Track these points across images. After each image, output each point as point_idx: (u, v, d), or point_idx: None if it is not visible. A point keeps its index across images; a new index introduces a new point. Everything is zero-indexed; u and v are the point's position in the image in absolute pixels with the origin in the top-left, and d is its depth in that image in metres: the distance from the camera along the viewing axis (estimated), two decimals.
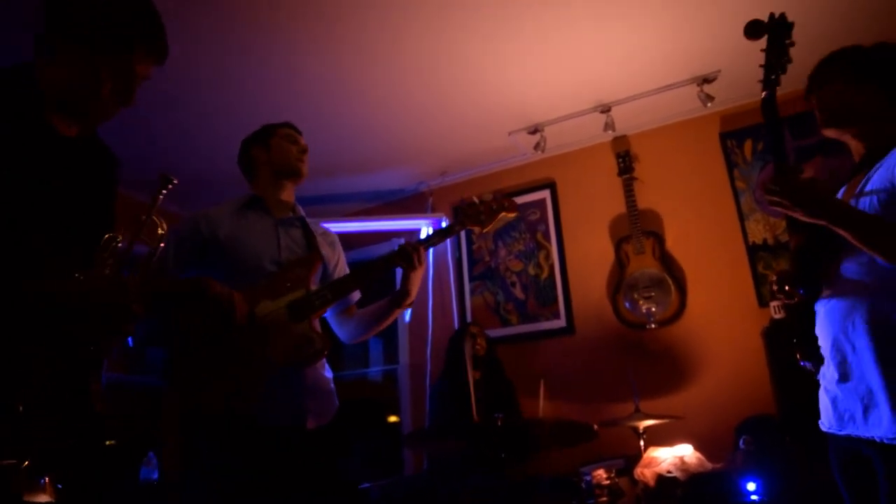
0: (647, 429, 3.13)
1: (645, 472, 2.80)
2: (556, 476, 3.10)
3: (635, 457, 3.21)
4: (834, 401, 1.76)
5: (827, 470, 2.55)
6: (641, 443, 3.10)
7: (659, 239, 4.13)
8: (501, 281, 4.66)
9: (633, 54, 3.69)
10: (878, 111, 1.81)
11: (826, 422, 1.83)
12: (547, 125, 4.28)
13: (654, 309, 3.87)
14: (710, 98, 3.87)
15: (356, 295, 2.43)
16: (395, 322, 5.08)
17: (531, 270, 4.57)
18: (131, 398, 4.21)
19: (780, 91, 4.04)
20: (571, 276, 4.43)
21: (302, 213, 2.40)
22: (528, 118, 4.27)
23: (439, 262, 4.91)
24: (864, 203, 1.69)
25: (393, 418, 5.12)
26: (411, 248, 2.23)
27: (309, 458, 2.08)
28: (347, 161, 4.63)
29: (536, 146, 4.30)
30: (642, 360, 3.83)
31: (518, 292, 4.58)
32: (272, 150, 2.35)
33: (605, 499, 2.71)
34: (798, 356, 1.89)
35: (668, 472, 2.76)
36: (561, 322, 4.37)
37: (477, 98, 3.99)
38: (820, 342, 1.81)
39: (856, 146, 1.91)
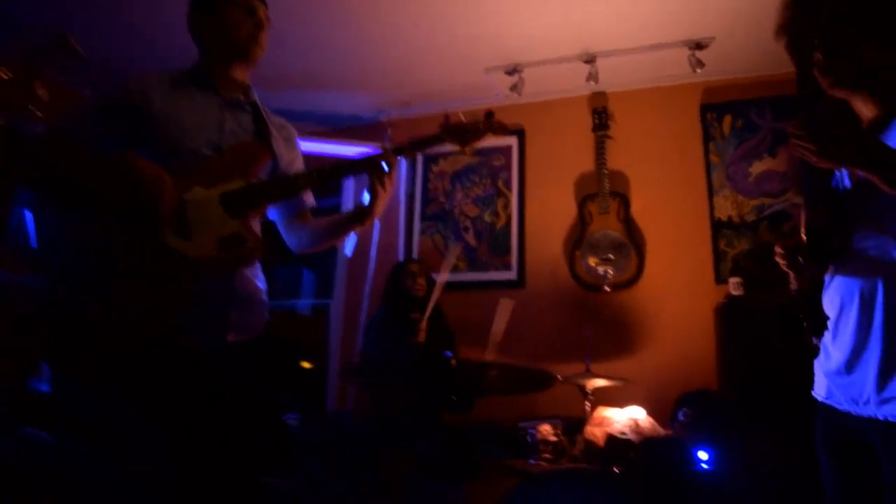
0: (595, 390, 3.01)
1: (595, 432, 2.68)
2: (499, 427, 2.94)
3: (577, 418, 3.11)
4: (836, 374, 1.65)
5: (771, 447, 2.51)
6: (587, 404, 2.99)
7: (625, 201, 4.00)
8: (454, 224, 4.44)
9: (628, 6, 3.48)
10: (885, 66, 1.62)
11: (822, 392, 1.72)
12: (527, 67, 4.03)
13: (611, 272, 3.74)
14: (700, 64, 3.72)
15: (310, 199, 2.11)
16: (334, 253, 4.80)
17: (487, 217, 4.37)
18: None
19: (767, 72, 4.00)
20: (528, 229, 4.26)
21: (256, 98, 2.02)
22: (508, 56, 4.00)
23: (391, 195, 4.62)
24: None
25: (306, 364, 4.83)
26: (389, 157, 1.94)
27: (226, 375, 1.76)
28: (298, 75, 4.23)
29: (513, 87, 4.04)
30: (594, 322, 3.71)
31: (470, 238, 4.37)
32: (219, 20, 1.89)
33: (549, 455, 2.57)
34: (807, 331, 1.77)
35: (622, 433, 2.66)
36: (512, 274, 4.21)
37: (455, 26, 3.68)
38: (833, 312, 1.69)
39: (866, 109, 1.71)
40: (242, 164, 1.82)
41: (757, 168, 3.91)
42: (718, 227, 3.87)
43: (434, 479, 2.31)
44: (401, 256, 4.48)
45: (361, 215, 1.97)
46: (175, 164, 1.72)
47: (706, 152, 4.01)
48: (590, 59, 3.92)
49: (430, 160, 4.60)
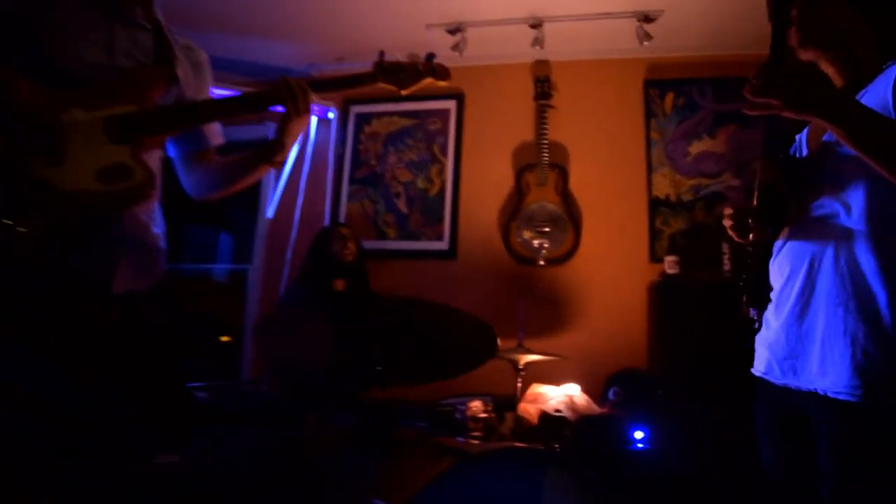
0: (527, 365, 2.87)
1: (529, 409, 2.54)
2: (426, 404, 2.75)
3: (507, 395, 2.97)
4: (776, 345, 1.55)
5: (704, 426, 2.44)
6: (519, 380, 2.85)
7: (564, 174, 3.88)
8: (385, 190, 4.20)
9: None
10: (855, 30, 1.51)
11: (761, 366, 1.62)
12: (471, 26, 3.81)
13: (546, 245, 3.62)
14: (647, 36, 3.62)
15: (216, 135, 1.81)
16: (253, 215, 4.47)
17: (420, 184, 4.15)
18: None
19: (712, 52, 3.94)
20: (463, 197, 4.08)
21: (160, 15, 1.71)
22: (451, 14, 3.77)
23: (318, 156, 4.33)
24: None
25: (226, 338, 4.50)
26: (297, 85, 1.67)
27: (106, 332, 1.46)
28: (219, 15, 3.85)
29: (455, 47, 3.82)
30: (528, 296, 3.58)
31: (402, 205, 4.15)
32: None
33: (479, 433, 2.41)
34: (744, 300, 1.67)
35: (557, 410, 2.53)
36: (443, 244, 4.02)
37: None
38: (778, 281, 1.59)
39: (835, 74, 1.61)
40: (136, 87, 1.51)
41: (696, 148, 3.86)
42: (655, 205, 3.81)
43: (357, 455, 2.12)
44: (327, 221, 4.21)
45: (270, 151, 1.71)
46: (52, 83, 1.40)
47: (647, 129, 3.94)
48: (536, 24, 3.75)
49: (362, 119, 4.33)
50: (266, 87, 1.78)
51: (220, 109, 1.67)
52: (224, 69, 4.34)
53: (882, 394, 1.29)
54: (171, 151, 1.77)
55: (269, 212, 4.36)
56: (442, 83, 2.01)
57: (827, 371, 1.38)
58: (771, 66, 1.35)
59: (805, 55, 1.55)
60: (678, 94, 3.95)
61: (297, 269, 3.75)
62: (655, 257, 3.70)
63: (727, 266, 3.39)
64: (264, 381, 3.79)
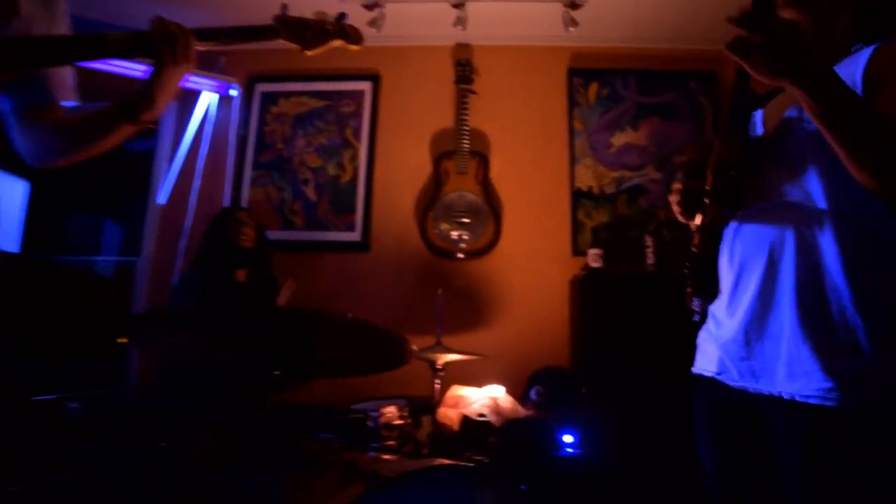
0: (446, 365, 2.63)
1: (449, 413, 2.30)
2: (333, 410, 2.44)
3: (423, 398, 2.72)
4: (732, 344, 1.38)
5: (629, 426, 2.27)
6: (437, 381, 2.60)
7: (485, 162, 3.68)
8: (292, 176, 3.85)
9: None
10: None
11: (712, 366, 1.45)
12: (390, 2, 3.55)
13: (466, 237, 3.41)
14: (573, 22, 3.48)
15: (65, 90, 1.47)
16: (143, 201, 4.01)
17: (331, 170, 3.84)
18: None
19: (636, 45, 3.86)
20: (377, 186, 3.79)
21: None
22: None
23: (219, 137, 3.92)
24: None
25: (123, 340, 4.00)
26: (176, 28, 1.37)
27: None
28: None
29: (372, 23, 3.54)
30: (446, 291, 3.35)
31: (310, 192, 3.82)
32: None
33: (393, 442, 2.13)
34: (688, 290, 1.49)
35: (480, 414, 2.30)
36: (355, 235, 3.72)
37: None
38: (730, 270, 1.42)
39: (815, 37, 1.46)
40: None
41: (619, 140, 3.77)
42: (578, 197, 3.68)
43: (255, 474, 1.80)
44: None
45: (135, 106, 1.39)
46: None
47: (570, 118, 3.80)
48: (459, 3, 3.53)
49: (268, 99, 3.96)
50: None
51: (70, 50, 1.34)
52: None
53: (856, 396, 1.14)
54: (3, 104, 1.41)
55: (162, 197, 3.92)
56: (353, 47, 1.77)
57: (795, 374, 1.22)
58: (759, 5, 1.16)
59: (785, 12, 1.39)
60: (602, 84, 3.85)
61: (192, 255, 3.36)
62: (578, 250, 3.56)
63: (650, 259, 3.29)
64: (149, 387, 3.36)
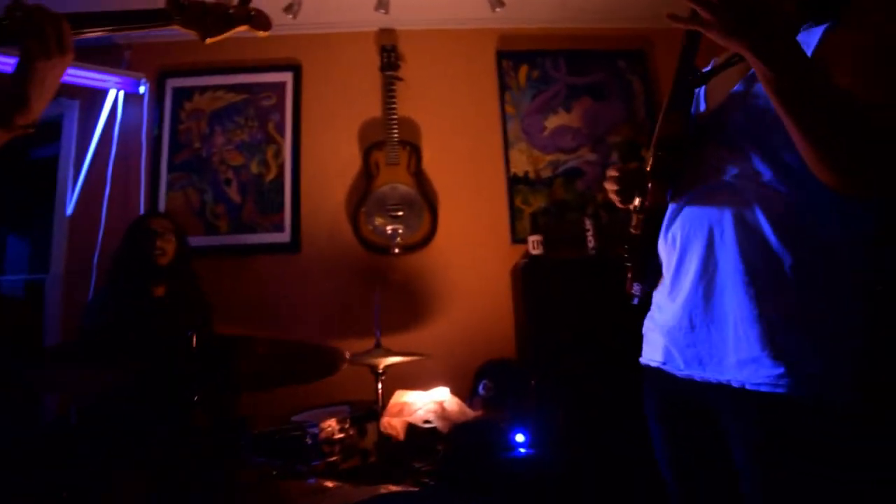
0: (388, 368, 2.48)
1: (393, 423, 2.15)
2: (268, 425, 2.26)
3: (368, 402, 2.57)
4: (676, 331, 1.30)
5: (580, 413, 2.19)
6: (379, 386, 2.45)
7: (416, 151, 3.53)
8: (213, 176, 3.60)
9: None
10: None
11: (657, 356, 1.37)
12: None
13: (401, 231, 3.26)
14: (500, 3, 3.36)
15: None
16: (49, 213, 3.68)
17: (254, 168, 3.61)
18: None
19: (565, 25, 3.78)
20: (305, 182, 3.58)
21: None
22: None
23: (129, 138, 3.63)
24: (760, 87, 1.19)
25: None
26: (43, 14, 1.18)
27: None
28: None
29: (288, 8, 3.33)
30: (383, 289, 3.20)
31: (233, 193, 3.58)
32: None
33: (335, 458, 1.97)
34: (629, 275, 1.41)
35: (426, 421, 2.16)
36: (284, 236, 3.51)
37: None
38: (671, 254, 1.35)
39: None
40: None
41: (552, 122, 3.69)
42: (514, 183, 3.58)
43: None
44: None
45: (7, 105, 1.18)
46: None
47: (502, 102, 3.70)
48: None
49: (181, 95, 3.69)
50: None
51: None
52: None
53: (807, 382, 1.08)
54: None
55: (69, 208, 3.61)
56: (261, 33, 1.60)
57: (743, 361, 1.15)
58: None
59: None
60: (532, 66, 3.76)
61: (105, 274, 3.07)
62: (517, 238, 3.47)
63: (591, 243, 3.23)
64: (64, 419, 3.08)
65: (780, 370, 1.09)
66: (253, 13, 1.54)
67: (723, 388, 1.19)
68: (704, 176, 1.28)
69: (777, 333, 1.11)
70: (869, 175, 1.02)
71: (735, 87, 1.27)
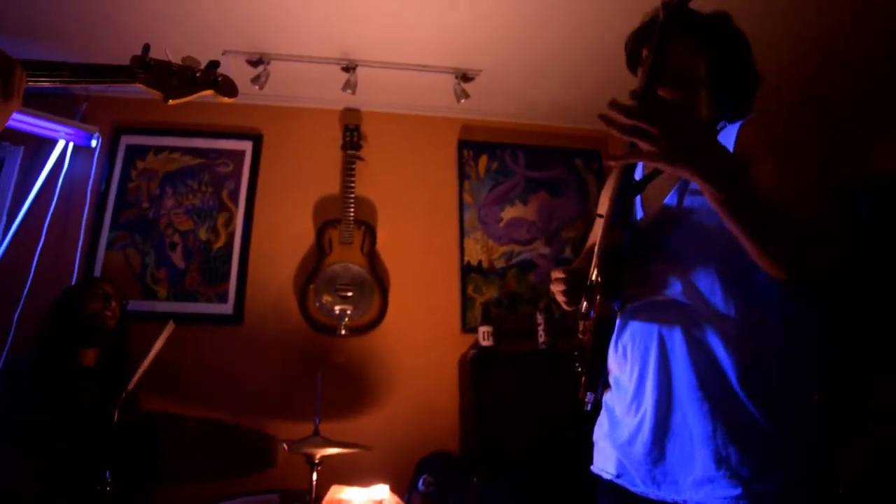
0: (325, 458, 2.35)
1: None
2: None
3: (299, 492, 2.42)
4: (629, 447, 1.29)
5: None
6: (314, 476, 2.31)
7: (371, 232, 3.50)
8: (158, 239, 3.46)
9: (399, 19, 3.07)
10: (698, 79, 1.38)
11: (610, 468, 1.36)
12: (275, 59, 3.36)
13: (349, 311, 3.18)
14: (465, 94, 3.45)
15: None
16: None
17: (203, 234, 3.49)
18: None
19: (525, 121, 3.90)
20: (254, 254, 3.48)
21: None
22: (253, 42, 3.29)
23: (72, 191, 3.47)
24: (697, 200, 1.25)
25: None
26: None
27: None
28: None
29: (255, 79, 3.33)
30: (326, 372, 3.07)
31: (177, 258, 3.44)
32: None
33: None
34: (582, 384, 1.41)
35: None
36: (227, 308, 3.36)
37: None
38: (622, 367, 1.36)
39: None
40: None
41: (508, 213, 3.74)
42: (467, 271, 3.57)
43: None
44: (76, 273, 3.34)
45: None
46: None
47: (460, 190, 3.74)
48: (350, 67, 3.40)
49: (135, 152, 3.58)
50: None
51: None
52: None
53: (766, 495, 1.08)
54: None
55: None
56: (225, 100, 1.60)
57: (699, 480, 1.14)
58: (648, 91, 1.11)
59: (663, 92, 1.36)
60: (491, 157, 3.84)
61: (29, 340, 2.83)
62: (468, 327, 3.43)
63: (542, 337, 3.22)
64: None
65: (738, 491, 1.08)
66: (220, 79, 1.53)
67: None
68: (651, 290, 1.30)
69: (731, 452, 1.11)
70: (804, 258, 1.07)
71: (667, 199, 1.31)
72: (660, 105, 1.05)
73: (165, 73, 1.44)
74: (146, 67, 1.41)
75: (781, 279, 1.10)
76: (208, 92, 1.54)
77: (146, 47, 1.43)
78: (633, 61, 1.50)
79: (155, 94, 1.45)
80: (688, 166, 1.02)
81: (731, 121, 1.30)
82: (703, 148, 1.02)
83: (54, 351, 2.51)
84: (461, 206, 3.70)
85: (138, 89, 1.44)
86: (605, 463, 1.39)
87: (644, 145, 1.01)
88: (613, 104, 1.00)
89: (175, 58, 1.47)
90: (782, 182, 1.11)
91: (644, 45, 1.42)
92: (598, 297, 1.34)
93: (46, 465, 1.69)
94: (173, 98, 1.47)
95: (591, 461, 1.46)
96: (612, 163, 1.14)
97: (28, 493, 1.90)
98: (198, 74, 1.48)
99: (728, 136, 1.24)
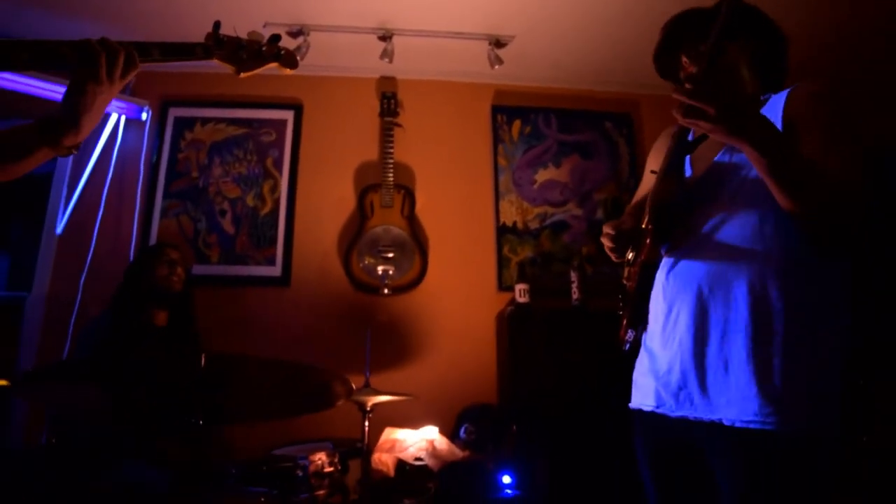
0: (375, 406, 2.53)
1: (385, 458, 2.19)
2: (253, 457, 2.28)
3: (351, 440, 2.61)
4: (669, 374, 1.43)
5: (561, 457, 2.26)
6: (366, 422, 2.49)
7: (410, 196, 3.64)
8: (208, 206, 3.65)
9: None
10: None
11: (649, 400, 1.49)
12: (314, 30, 3.48)
13: (391, 272, 3.34)
14: (499, 60, 3.54)
15: None
16: (37, 231, 3.67)
17: (250, 201, 3.67)
18: None
19: (558, 85, 3.98)
20: (299, 219, 3.66)
21: None
22: (295, 14, 3.41)
23: (126, 163, 3.67)
24: (744, 158, 1.38)
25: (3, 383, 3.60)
26: (101, 45, 1.26)
27: None
28: None
29: (296, 50, 3.40)
30: (371, 329, 3.25)
31: (227, 224, 3.63)
32: None
33: (323, 491, 2.00)
34: (624, 322, 1.56)
35: (418, 458, 2.21)
36: (276, 270, 3.56)
37: None
38: (663, 305, 1.49)
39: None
40: None
41: (542, 176, 3.84)
42: (503, 232, 3.70)
43: None
44: (134, 240, 3.56)
45: (57, 129, 1.26)
46: None
47: (495, 154, 3.85)
48: (386, 36, 3.51)
49: (183, 124, 3.76)
50: (62, 74, 1.32)
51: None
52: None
53: (793, 418, 1.21)
54: None
55: (59, 227, 3.61)
56: (288, 71, 1.74)
57: (733, 400, 1.28)
58: (706, 77, 1.28)
59: (693, 69, 1.52)
60: (525, 121, 3.93)
61: (105, 299, 3.02)
62: (503, 285, 3.58)
63: (576, 294, 3.35)
64: (41, 440, 3.04)
65: (769, 408, 1.22)
66: (283, 52, 1.67)
67: (713, 427, 1.30)
68: (695, 234, 1.43)
69: (765, 376, 1.24)
70: (833, 216, 1.23)
71: (718, 157, 1.45)
72: (714, 88, 1.20)
73: (236, 48, 1.58)
74: (220, 44, 1.55)
75: (813, 235, 1.26)
76: (273, 64, 1.68)
77: (217, 24, 1.57)
78: (671, 45, 1.60)
79: (228, 68, 1.59)
80: (739, 136, 1.21)
81: (775, 90, 1.44)
82: (751, 123, 1.20)
83: (128, 312, 2.72)
84: (496, 170, 3.82)
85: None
86: (644, 397, 1.52)
87: (703, 124, 1.21)
88: (678, 90, 1.21)
89: (229, 31, 1.61)
90: (827, 145, 1.27)
91: (688, 32, 1.54)
92: (647, 242, 1.48)
93: (136, 403, 1.89)
94: (244, 71, 1.62)
95: (620, 409, 1.59)
96: (678, 121, 1.29)
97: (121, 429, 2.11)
98: (264, 48, 1.62)
99: (775, 105, 1.38)
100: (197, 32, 1.57)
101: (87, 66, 1.23)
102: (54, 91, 3.35)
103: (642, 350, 1.58)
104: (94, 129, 1.36)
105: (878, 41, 3.45)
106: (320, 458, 2.11)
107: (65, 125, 1.26)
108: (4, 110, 3.42)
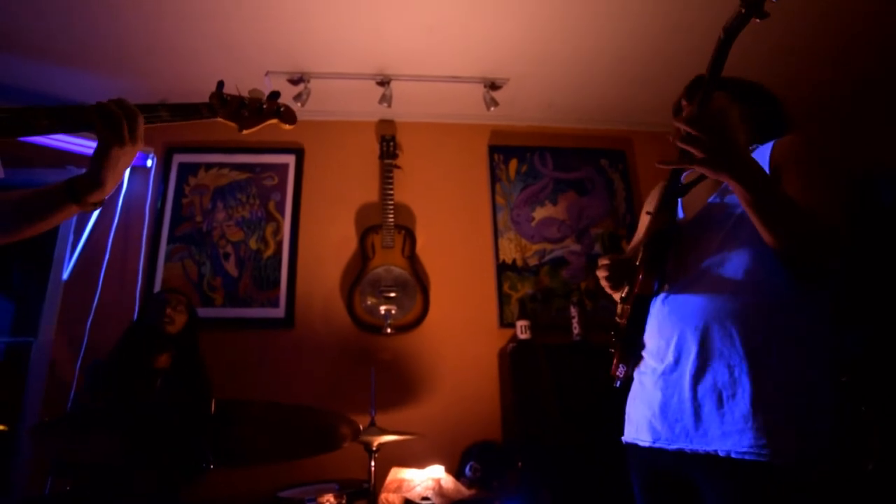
0: (381, 446, 2.55)
1: (392, 499, 2.21)
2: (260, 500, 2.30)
3: (358, 480, 2.62)
4: (665, 408, 1.47)
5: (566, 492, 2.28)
6: (372, 463, 2.51)
7: (411, 236, 3.70)
8: (212, 250, 3.71)
9: (430, 35, 3.29)
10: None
11: (644, 435, 1.53)
12: (315, 78, 3.59)
13: (394, 311, 3.39)
14: (494, 102, 3.64)
15: None
16: (43, 277, 3.72)
17: (253, 244, 3.74)
18: None
19: (551, 125, 4.08)
20: (301, 261, 3.72)
21: None
22: (295, 62, 3.52)
23: (132, 208, 3.75)
24: (735, 199, 1.46)
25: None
26: (121, 107, 1.34)
27: None
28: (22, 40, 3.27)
29: (297, 98, 3.55)
30: (376, 368, 3.28)
31: (231, 267, 3.69)
32: None
33: None
34: (616, 357, 1.62)
35: (425, 497, 2.22)
36: (279, 312, 3.60)
37: (232, 17, 3.12)
38: (657, 339, 1.54)
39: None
40: None
41: (539, 213, 3.92)
42: (503, 269, 3.76)
43: None
44: (139, 284, 3.61)
45: (82, 188, 1.34)
46: None
47: (493, 193, 3.93)
48: (384, 81, 3.62)
49: (187, 170, 3.85)
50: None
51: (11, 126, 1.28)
52: (14, 97, 3.68)
53: (787, 450, 1.26)
54: None
55: (65, 273, 3.66)
56: (286, 127, 1.83)
57: (728, 433, 1.32)
58: (703, 106, 1.38)
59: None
60: (521, 160, 4.02)
61: (111, 345, 3.05)
62: (505, 322, 3.62)
63: (576, 329, 3.39)
64: (44, 489, 3.04)
65: (763, 440, 1.26)
66: (282, 108, 1.76)
67: (709, 458, 1.34)
68: (689, 270, 1.50)
69: (759, 408, 1.29)
70: (813, 251, 1.31)
71: (711, 199, 1.53)
72: (711, 119, 1.30)
73: (238, 106, 1.66)
74: (223, 103, 1.63)
75: (795, 269, 1.34)
76: (273, 121, 1.77)
77: (220, 84, 1.65)
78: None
79: (231, 126, 1.68)
80: (727, 171, 1.29)
81: (762, 142, 1.54)
82: (739, 159, 1.29)
83: (127, 354, 2.77)
84: (494, 208, 3.89)
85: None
86: (637, 432, 1.55)
87: (696, 152, 1.28)
88: (678, 117, 1.31)
89: (232, 89, 1.69)
90: (806, 186, 1.36)
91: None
92: (640, 275, 1.54)
93: (141, 448, 1.92)
94: (246, 128, 1.70)
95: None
96: (663, 166, 1.43)
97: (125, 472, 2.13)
98: (264, 106, 1.71)
99: (762, 154, 1.48)
100: (204, 88, 1.65)
101: (111, 130, 1.30)
102: (78, 145, 3.52)
103: (636, 384, 1.62)
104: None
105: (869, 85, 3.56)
106: (327, 499, 2.13)
107: (91, 185, 1.33)
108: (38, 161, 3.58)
